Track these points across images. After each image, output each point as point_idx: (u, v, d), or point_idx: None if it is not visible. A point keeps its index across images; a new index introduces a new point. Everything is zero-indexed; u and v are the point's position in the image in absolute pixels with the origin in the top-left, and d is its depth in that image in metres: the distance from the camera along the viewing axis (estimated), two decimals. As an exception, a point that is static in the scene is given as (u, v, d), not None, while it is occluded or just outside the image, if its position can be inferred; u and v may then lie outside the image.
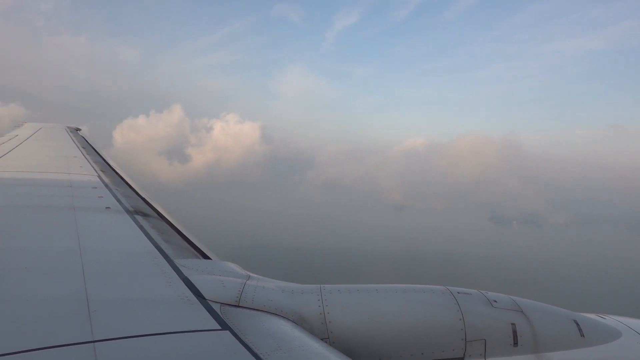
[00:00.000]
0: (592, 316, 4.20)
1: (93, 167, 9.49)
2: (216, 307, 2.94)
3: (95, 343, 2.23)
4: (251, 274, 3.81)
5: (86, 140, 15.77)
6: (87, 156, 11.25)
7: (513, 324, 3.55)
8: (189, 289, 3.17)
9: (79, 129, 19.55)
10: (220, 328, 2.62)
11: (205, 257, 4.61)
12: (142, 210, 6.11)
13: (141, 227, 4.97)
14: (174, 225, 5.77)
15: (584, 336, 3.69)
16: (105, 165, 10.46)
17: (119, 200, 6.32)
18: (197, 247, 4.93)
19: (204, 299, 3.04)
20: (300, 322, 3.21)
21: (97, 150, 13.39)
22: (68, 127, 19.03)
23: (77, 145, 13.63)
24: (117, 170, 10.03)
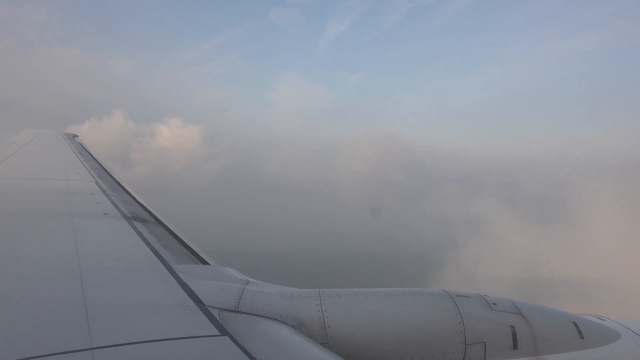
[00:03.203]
0: (591, 317, 4.21)
1: (90, 174, 9.46)
2: (215, 312, 2.93)
3: (94, 350, 2.22)
4: (250, 279, 3.80)
5: (83, 147, 15.73)
6: (85, 162, 11.22)
7: (512, 327, 3.55)
8: (188, 294, 3.16)
9: (76, 136, 19.50)
10: (219, 334, 2.61)
11: (204, 262, 4.60)
12: (140, 216, 6.10)
13: (139, 233, 4.96)
14: (172, 231, 5.76)
15: (583, 338, 3.69)
16: (102, 172, 10.43)
17: (116, 207, 6.31)
18: (196, 252, 4.92)
19: (203, 304, 3.03)
20: (300, 326, 3.21)
21: (95, 157, 13.36)
22: (65, 134, 18.99)
23: (74, 151, 13.59)
24: (115, 177, 10.01)
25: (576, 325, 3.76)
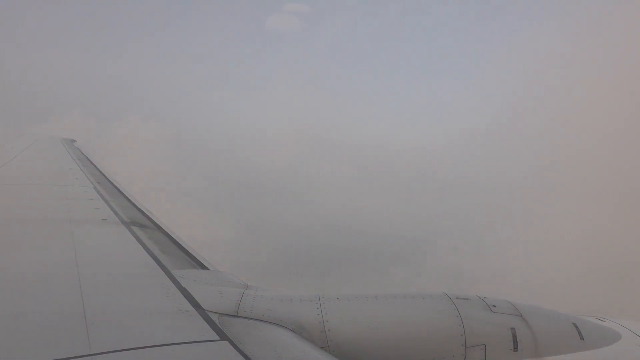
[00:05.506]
0: (591, 319, 4.21)
1: (89, 179, 9.45)
2: (215, 317, 2.93)
3: (93, 356, 2.21)
4: (249, 284, 3.80)
5: (82, 152, 15.71)
6: (83, 168, 11.21)
7: (513, 329, 3.54)
8: (187, 299, 3.16)
9: (75, 141, 19.49)
10: (219, 338, 2.61)
11: (203, 267, 4.59)
12: (138, 221, 6.09)
13: (138, 238, 4.95)
14: (170, 236, 5.75)
15: (583, 339, 3.68)
16: (101, 177, 10.43)
17: (115, 212, 6.30)
18: (195, 257, 4.91)
19: (202, 309, 3.02)
20: (300, 331, 3.20)
21: (93, 162, 13.34)
22: (64, 139, 18.97)
23: (72, 157, 13.58)
24: (113, 182, 10.00)
25: (576, 327, 3.76)
